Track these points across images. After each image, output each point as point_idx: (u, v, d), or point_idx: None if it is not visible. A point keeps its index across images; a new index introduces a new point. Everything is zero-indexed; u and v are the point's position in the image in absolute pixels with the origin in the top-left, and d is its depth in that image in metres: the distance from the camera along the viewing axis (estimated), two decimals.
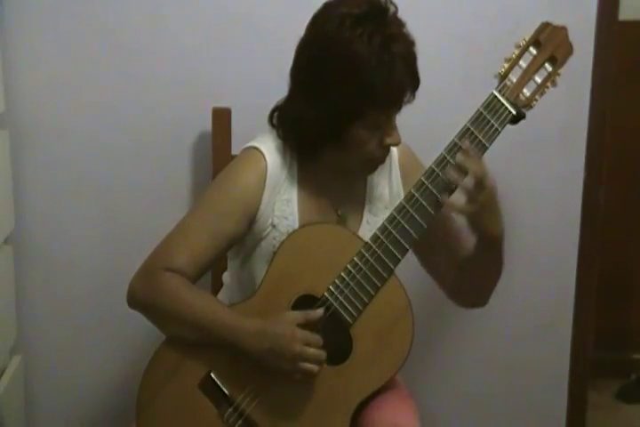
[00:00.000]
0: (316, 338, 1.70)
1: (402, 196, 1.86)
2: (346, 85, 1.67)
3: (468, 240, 1.86)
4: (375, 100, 1.68)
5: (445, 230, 1.87)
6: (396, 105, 1.72)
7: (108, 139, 2.24)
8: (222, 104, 2.16)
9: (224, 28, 2.19)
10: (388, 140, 1.75)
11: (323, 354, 1.70)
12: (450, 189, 1.70)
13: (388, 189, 1.89)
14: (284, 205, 1.81)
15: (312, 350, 1.69)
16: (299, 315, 1.71)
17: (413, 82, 1.71)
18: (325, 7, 1.73)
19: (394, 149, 1.84)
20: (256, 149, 1.81)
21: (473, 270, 1.83)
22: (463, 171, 1.67)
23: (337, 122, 1.70)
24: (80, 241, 2.29)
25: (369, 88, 1.66)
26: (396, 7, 1.71)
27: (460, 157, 1.68)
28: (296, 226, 1.80)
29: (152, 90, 2.22)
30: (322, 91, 1.70)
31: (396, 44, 1.68)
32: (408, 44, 1.70)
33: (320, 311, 1.72)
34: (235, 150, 2.00)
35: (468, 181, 1.67)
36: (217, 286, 2.08)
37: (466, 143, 1.68)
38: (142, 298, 1.76)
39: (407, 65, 1.69)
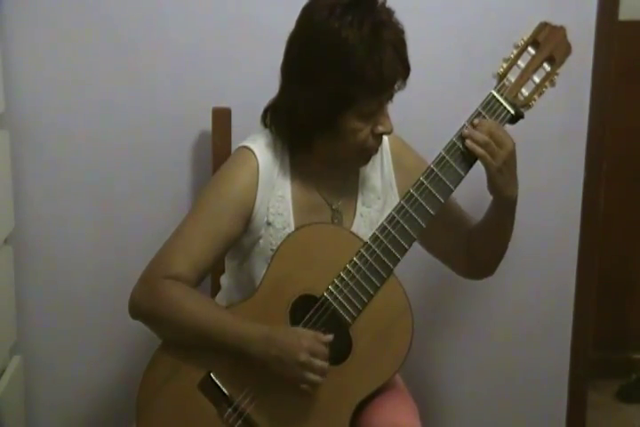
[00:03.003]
0: (323, 349, 1.70)
1: (394, 183, 1.88)
2: (337, 73, 1.67)
3: (472, 220, 1.89)
4: (366, 87, 1.68)
5: (450, 216, 1.87)
6: (388, 92, 1.72)
7: (107, 139, 2.24)
8: (222, 104, 2.16)
9: (224, 27, 2.19)
10: (381, 129, 1.75)
11: (327, 365, 1.70)
12: (470, 162, 1.71)
13: (381, 179, 1.89)
14: (277, 201, 1.80)
15: (317, 362, 1.68)
16: (310, 333, 1.71)
17: (404, 69, 1.71)
18: None
19: (385, 139, 1.84)
20: (246, 148, 1.81)
21: (485, 237, 1.84)
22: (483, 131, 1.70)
23: (329, 110, 1.70)
24: (80, 241, 2.29)
25: (360, 75, 1.66)
26: None
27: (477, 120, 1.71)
28: (291, 222, 1.80)
29: (152, 90, 2.22)
30: (314, 80, 1.70)
31: (385, 30, 1.68)
32: (398, 32, 1.71)
33: (330, 337, 1.71)
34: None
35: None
36: (215, 289, 2.07)
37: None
38: (144, 309, 1.75)
39: (397, 52, 1.69)
